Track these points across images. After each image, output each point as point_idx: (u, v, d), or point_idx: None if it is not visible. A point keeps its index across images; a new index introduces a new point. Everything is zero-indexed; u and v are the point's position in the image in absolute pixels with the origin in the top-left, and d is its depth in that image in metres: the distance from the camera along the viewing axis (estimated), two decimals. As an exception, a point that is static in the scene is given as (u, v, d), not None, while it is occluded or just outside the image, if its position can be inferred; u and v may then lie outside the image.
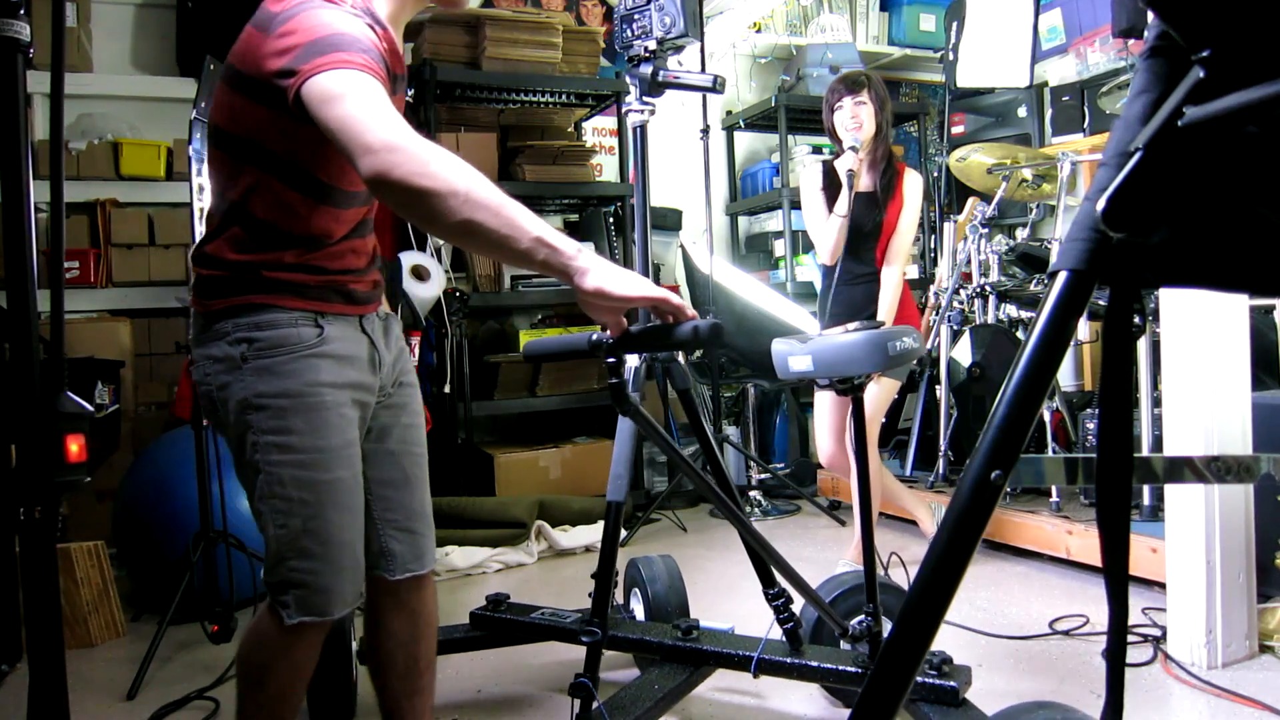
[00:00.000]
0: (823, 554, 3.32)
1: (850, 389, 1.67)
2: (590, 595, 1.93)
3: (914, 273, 4.75)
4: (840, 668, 1.76)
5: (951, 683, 1.65)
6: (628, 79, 1.91)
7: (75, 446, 1.19)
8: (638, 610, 2.25)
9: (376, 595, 1.58)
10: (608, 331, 1.26)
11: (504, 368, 3.98)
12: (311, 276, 1.40)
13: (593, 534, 3.53)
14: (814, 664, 1.79)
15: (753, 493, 4.03)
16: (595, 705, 1.60)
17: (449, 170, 1.16)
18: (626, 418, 1.68)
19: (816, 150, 4.88)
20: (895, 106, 5.43)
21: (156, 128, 3.87)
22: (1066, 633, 2.40)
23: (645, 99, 1.90)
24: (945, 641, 2.33)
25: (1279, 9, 0.58)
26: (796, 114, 4.70)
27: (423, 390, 3.53)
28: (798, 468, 4.39)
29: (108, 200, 3.72)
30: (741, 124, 4.91)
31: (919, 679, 1.67)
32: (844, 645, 1.89)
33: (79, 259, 3.65)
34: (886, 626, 1.91)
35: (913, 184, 2.90)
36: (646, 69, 1.89)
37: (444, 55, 3.84)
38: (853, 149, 2.80)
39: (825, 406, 2.92)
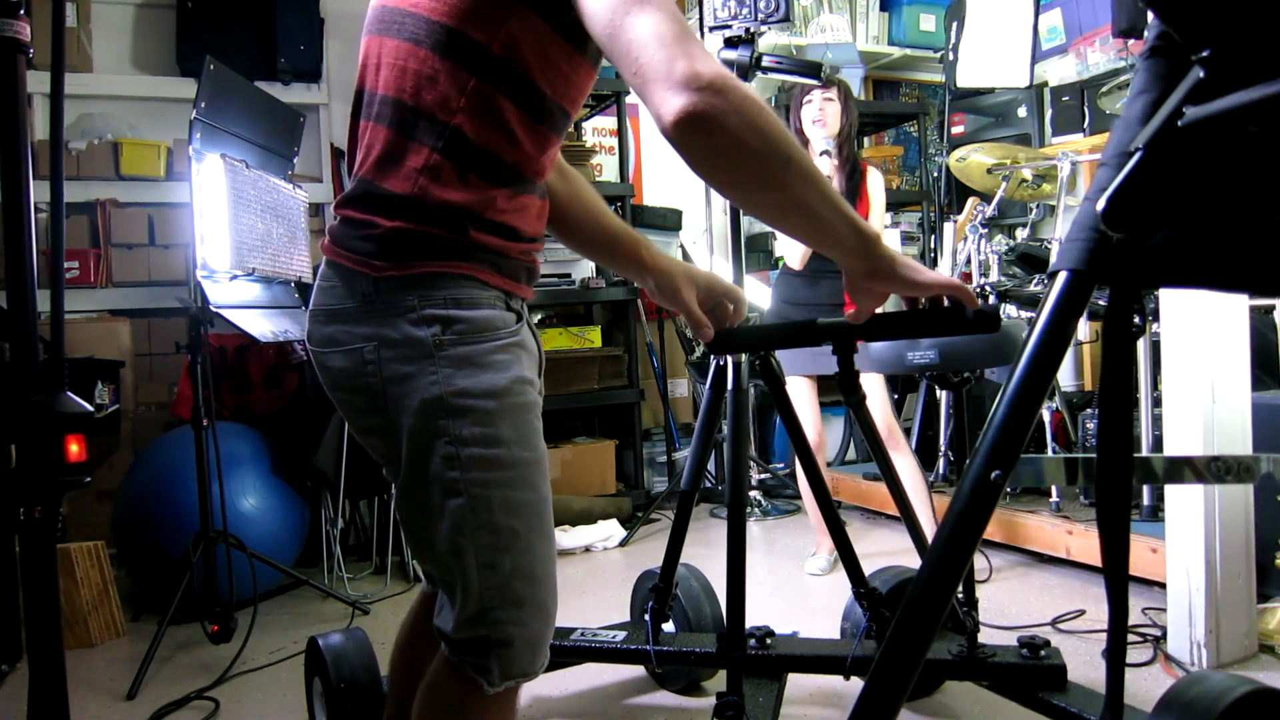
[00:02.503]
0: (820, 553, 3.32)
1: (959, 383, 1.68)
2: (644, 610, 1.87)
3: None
4: (941, 657, 1.71)
5: (1059, 662, 1.64)
6: (718, 57, 1.78)
7: (75, 446, 1.19)
8: (666, 624, 2.08)
9: (429, 613, 1.24)
10: (850, 316, 1.15)
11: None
12: (512, 243, 1.09)
13: (593, 534, 3.53)
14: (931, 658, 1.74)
15: (753, 493, 4.03)
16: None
17: (781, 134, 0.93)
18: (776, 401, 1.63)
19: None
20: (895, 106, 5.45)
21: (156, 128, 3.87)
22: (1069, 631, 2.39)
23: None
24: (945, 641, 2.33)
25: (1279, 9, 0.58)
26: (796, 114, 4.70)
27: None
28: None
29: (108, 200, 3.72)
30: (741, 124, 4.91)
31: (1025, 664, 1.66)
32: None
33: (79, 259, 3.66)
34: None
35: (875, 182, 2.98)
36: (746, 52, 1.76)
37: (444, 55, 3.84)
38: (825, 154, 2.83)
39: (802, 395, 3.01)
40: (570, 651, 1.93)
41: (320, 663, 1.72)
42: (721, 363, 1.66)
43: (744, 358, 1.67)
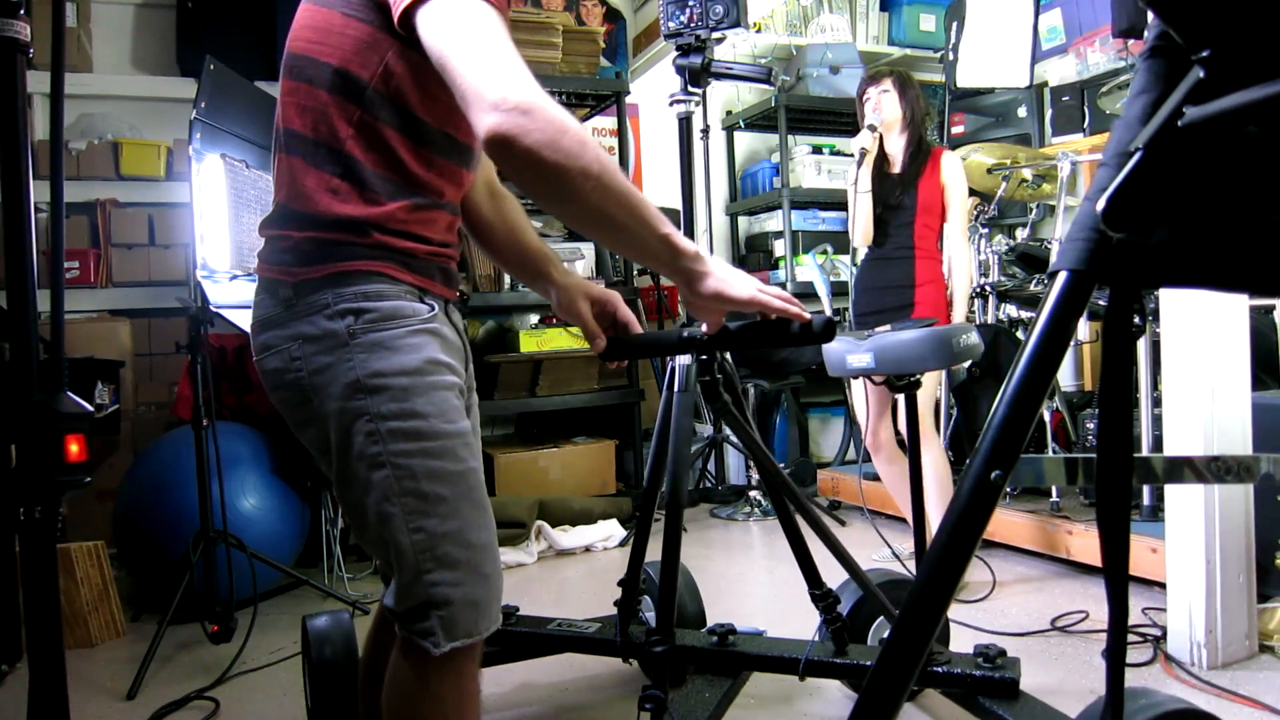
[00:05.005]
0: (823, 553, 3.31)
1: (905, 386, 1.67)
2: (615, 603, 1.92)
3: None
4: None
5: (1011, 675, 1.64)
6: (673, 66, 1.83)
7: (75, 446, 1.19)
8: (650, 617, 2.18)
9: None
10: (703, 328, 1.22)
11: (504, 368, 3.98)
12: (419, 244, 1.20)
13: (592, 534, 3.53)
14: (865, 664, 1.76)
15: (753, 493, 4.03)
16: (667, 717, 1.53)
17: (584, 147, 1.02)
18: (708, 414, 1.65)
19: (816, 150, 4.88)
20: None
21: (156, 128, 3.88)
22: (1069, 630, 2.39)
23: (691, 89, 1.84)
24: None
25: (1279, 9, 0.58)
26: (796, 114, 4.70)
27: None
28: (798, 468, 4.38)
29: (108, 200, 3.72)
30: (741, 124, 4.91)
31: (976, 673, 1.66)
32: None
33: (79, 259, 3.66)
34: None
35: (950, 164, 2.94)
36: (696, 58, 1.81)
37: (444, 55, 3.84)
38: (870, 127, 2.88)
39: (860, 393, 2.98)
40: (545, 640, 1.99)
41: (306, 642, 1.81)
42: (673, 364, 1.73)
43: (691, 361, 1.75)
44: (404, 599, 1.14)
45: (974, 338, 1.62)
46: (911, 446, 1.77)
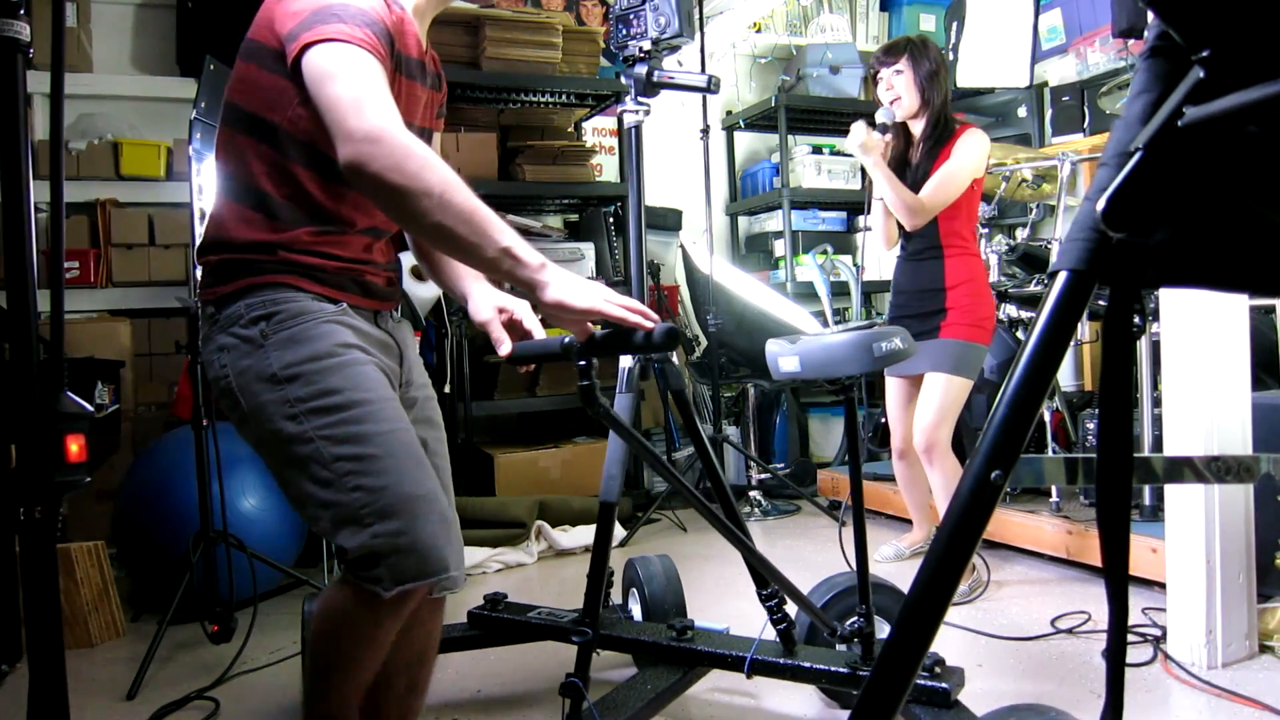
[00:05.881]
0: (822, 554, 3.32)
1: (841, 389, 1.69)
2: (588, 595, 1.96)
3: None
4: (832, 668, 1.76)
5: (943, 684, 1.65)
6: (623, 79, 1.91)
7: (75, 446, 1.19)
8: (635, 610, 2.26)
9: None
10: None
11: (504, 368, 3.98)
12: (328, 261, 1.34)
13: (592, 534, 3.52)
14: (806, 665, 1.78)
15: (753, 493, 4.03)
16: (585, 705, 1.60)
17: (425, 170, 1.16)
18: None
19: (816, 150, 4.88)
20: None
21: (156, 128, 3.87)
22: (1069, 630, 2.40)
23: (640, 99, 1.90)
24: (945, 642, 2.33)
25: (1279, 9, 0.58)
26: (796, 114, 4.69)
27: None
28: (798, 468, 4.39)
29: (108, 200, 3.72)
30: (741, 124, 4.91)
31: (922, 681, 1.67)
32: (839, 646, 1.89)
33: (79, 259, 3.66)
34: (883, 628, 1.93)
35: (964, 142, 2.68)
36: (642, 69, 1.88)
37: (444, 55, 3.79)
38: (882, 127, 2.68)
39: (895, 394, 2.89)
40: (524, 627, 2.12)
41: (304, 625, 1.93)
42: (631, 366, 1.83)
43: (633, 365, 1.85)
44: (353, 551, 1.25)
45: (899, 342, 1.62)
46: (852, 454, 1.78)
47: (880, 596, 1.90)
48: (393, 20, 1.31)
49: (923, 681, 1.66)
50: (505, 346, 1.44)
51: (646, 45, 1.88)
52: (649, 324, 1.24)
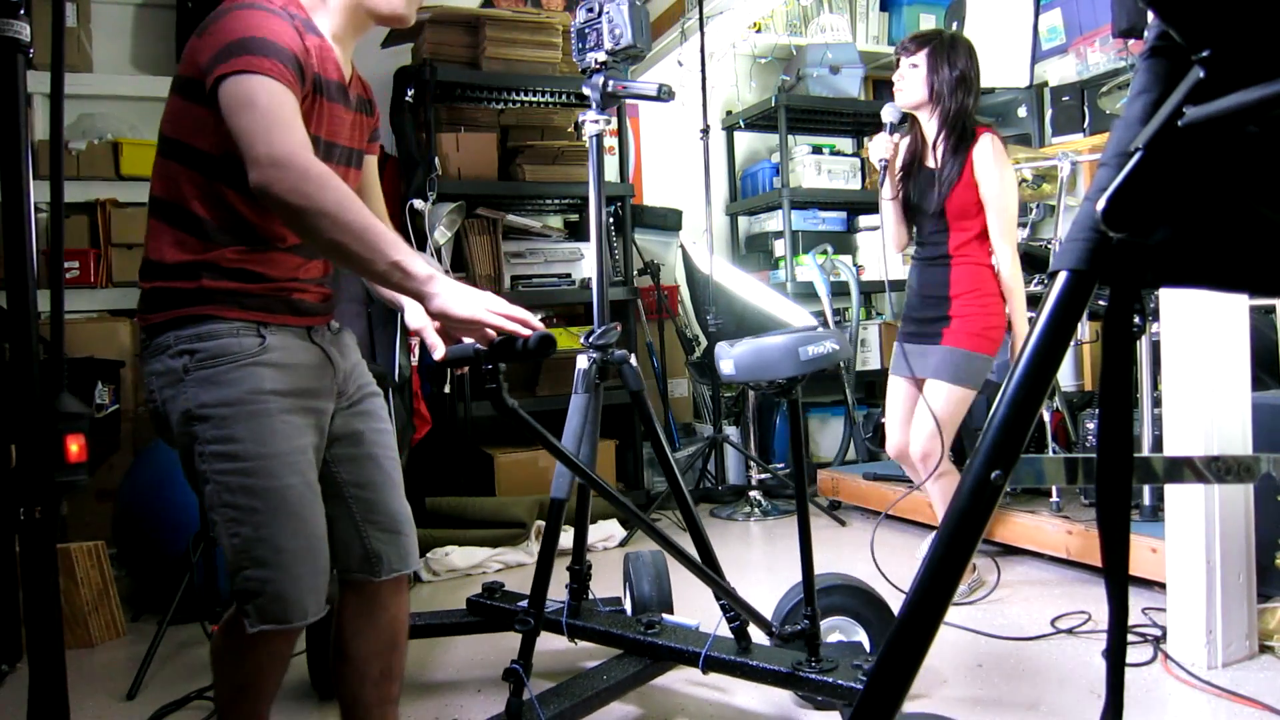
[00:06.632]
0: (821, 554, 3.31)
1: (779, 392, 1.72)
2: (566, 586, 2.09)
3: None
4: (777, 668, 1.78)
5: (828, 679, 1.69)
6: (585, 90, 1.98)
7: (75, 446, 1.19)
8: (627, 604, 2.30)
9: (354, 600, 1.58)
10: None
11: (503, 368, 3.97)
12: (253, 284, 1.42)
13: (593, 534, 3.52)
14: (753, 663, 1.81)
15: (753, 493, 4.03)
16: (526, 694, 1.66)
17: (321, 193, 1.26)
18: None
19: (816, 150, 4.88)
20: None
21: (156, 128, 3.86)
22: (1069, 630, 2.40)
23: (601, 109, 1.96)
24: (945, 642, 2.34)
25: (1279, 9, 0.58)
26: (796, 114, 4.69)
27: (423, 390, 3.55)
28: (798, 468, 4.38)
29: (108, 200, 3.72)
30: (741, 124, 4.91)
31: (844, 683, 1.70)
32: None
33: (79, 259, 3.65)
34: (855, 630, 2.00)
35: (980, 153, 2.55)
36: (599, 80, 1.94)
37: (444, 55, 3.84)
38: (891, 124, 2.63)
39: (897, 396, 2.80)
40: (512, 614, 2.12)
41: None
42: (585, 368, 1.92)
43: (588, 366, 1.93)
44: (231, 583, 1.39)
45: (827, 346, 1.64)
46: (795, 456, 1.79)
47: (846, 598, 1.94)
48: (307, 47, 1.39)
49: (853, 685, 1.68)
50: (439, 351, 1.51)
51: (602, 57, 1.94)
52: (526, 332, 1.33)
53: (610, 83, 1.93)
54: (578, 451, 1.87)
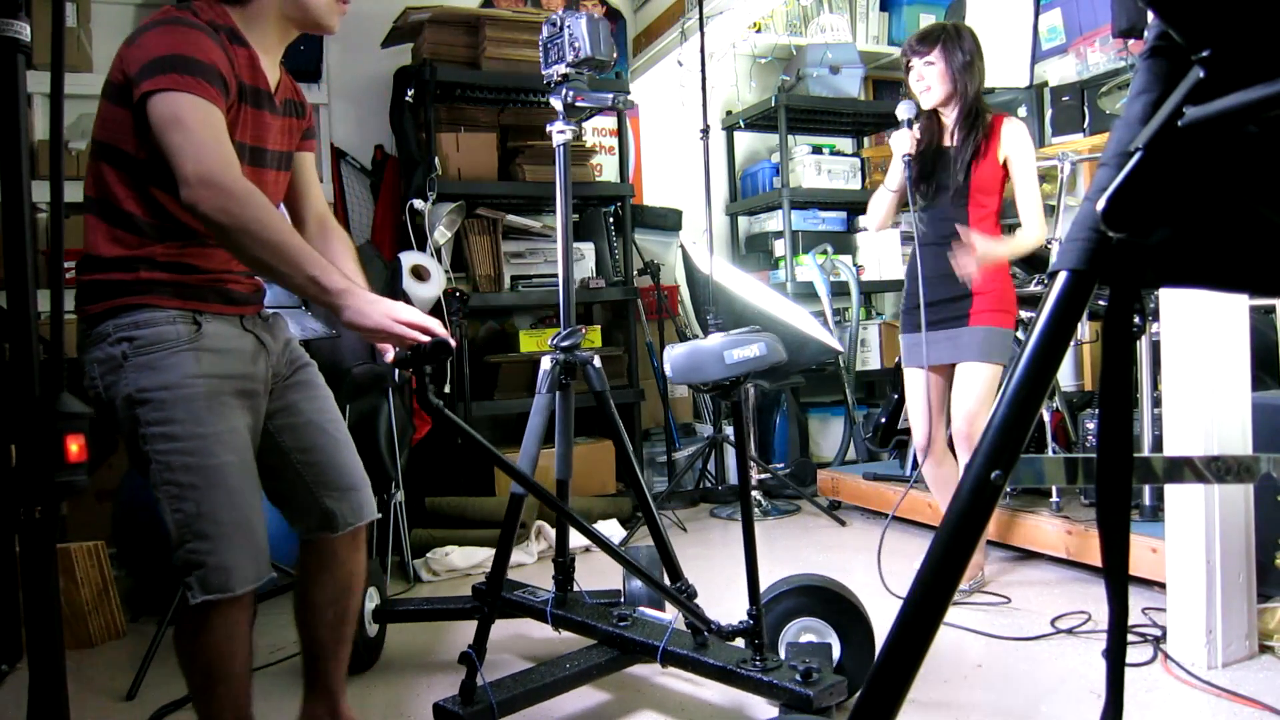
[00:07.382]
0: (822, 554, 3.32)
1: (720, 393, 1.76)
2: (553, 578, 2.20)
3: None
4: (722, 665, 1.81)
5: (806, 690, 1.68)
6: (552, 100, 2.05)
7: (75, 446, 1.19)
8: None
9: (314, 554, 1.71)
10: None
11: (504, 368, 3.98)
12: (188, 276, 1.51)
13: (593, 534, 3.53)
14: (702, 659, 1.84)
15: (753, 493, 4.03)
16: (479, 681, 1.76)
17: (244, 211, 1.36)
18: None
19: (816, 150, 4.88)
20: (895, 107, 5.44)
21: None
22: (1069, 630, 2.40)
23: (567, 120, 2.04)
24: (945, 642, 2.34)
25: (1279, 9, 0.58)
26: (796, 114, 4.69)
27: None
28: (798, 468, 4.39)
29: (108, 200, 3.72)
30: (741, 124, 4.91)
31: (786, 684, 1.71)
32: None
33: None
34: (828, 633, 2.00)
35: (1012, 132, 2.64)
36: (563, 91, 2.02)
37: (444, 55, 3.84)
38: (908, 121, 2.67)
39: (918, 388, 2.76)
40: (508, 604, 2.28)
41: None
42: (549, 369, 1.99)
43: (550, 368, 1.99)
44: (175, 560, 1.46)
45: (755, 350, 1.67)
46: (740, 456, 1.82)
47: (815, 599, 1.98)
48: (232, 59, 1.48)
49: (794, 687, 1.69)
50: (389, 354, 1.61)
51: (564, 70, 2.03)
52: (425, 339, 1.44)
53: (570, 94, 2.01)
54: (536, 450, 1.96)
